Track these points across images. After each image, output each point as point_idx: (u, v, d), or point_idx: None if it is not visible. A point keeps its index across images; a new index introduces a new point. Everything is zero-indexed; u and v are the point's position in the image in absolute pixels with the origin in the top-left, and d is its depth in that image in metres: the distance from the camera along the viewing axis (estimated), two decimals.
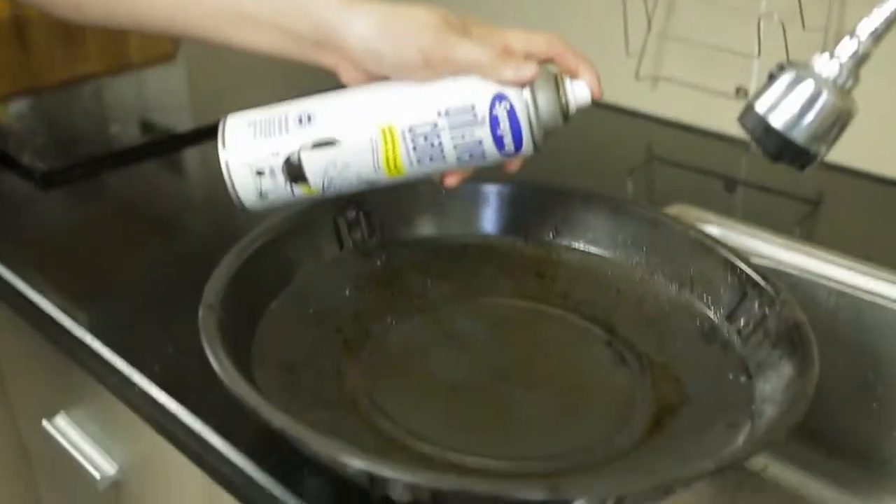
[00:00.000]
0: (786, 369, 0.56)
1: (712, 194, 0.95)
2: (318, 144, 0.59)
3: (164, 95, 1.19)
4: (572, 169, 0.99)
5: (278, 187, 0.60)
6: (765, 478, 0.80)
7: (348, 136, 0.59)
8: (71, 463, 0.83)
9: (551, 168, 0.99)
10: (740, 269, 0.64)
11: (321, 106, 0.60)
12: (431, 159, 0.59)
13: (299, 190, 0.60)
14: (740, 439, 0.54)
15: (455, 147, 0.58)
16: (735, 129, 0.60)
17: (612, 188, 0.73)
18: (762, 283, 0.62)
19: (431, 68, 0.57)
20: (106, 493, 0.82)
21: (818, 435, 0.80)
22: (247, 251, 0.63)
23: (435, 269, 0.71)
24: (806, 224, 0.88)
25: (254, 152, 0.59)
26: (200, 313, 0.55)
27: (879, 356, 0.74)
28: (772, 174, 0.96)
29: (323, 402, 0.57)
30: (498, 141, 0.58)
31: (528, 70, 0.56)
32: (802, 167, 0.56)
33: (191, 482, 0.70)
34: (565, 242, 0.73)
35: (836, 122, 0.55)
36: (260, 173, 0.59)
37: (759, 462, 0.81)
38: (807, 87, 0.55)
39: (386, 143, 0.58)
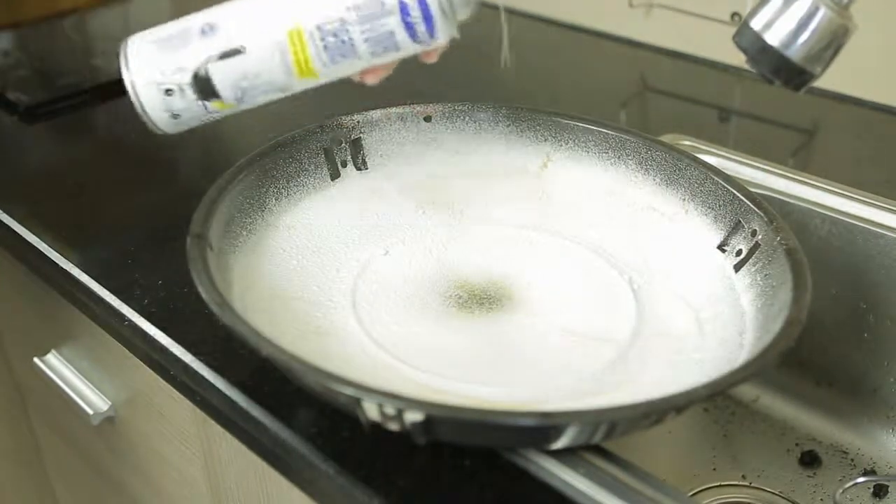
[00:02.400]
0: (779, 296, 0.56)
1: (706, 124, 0.94)
2: (225, 55, 0.56)
3: (148, 26, 1.17)
4: (565, 99, 0.98)
5: (190, 105, 0.58)
6: (756, 409, 0.81)
7: (254, 43, 0.56)
8: (64, 400, 0.83)
9: (544, 98, 0.98)
10: (733, 195, 0.63)
11: (225, 14, 0.57)
12: (343, 56, 0.57)
13: (213, 106, 0.58)
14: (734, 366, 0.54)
15: (366, 41, 0.56)
16: (730, 57, 0.59)
17: (605, 118, 0.72)
18: (756, 209, 0.61)
19: None
20: (99, 428, 0.82)
21: (809, 365, 0.80)
22: (234, 180, 0.62)
23: (427, 198, 0.70)
24: (800, 153, 0.87)
25: (159, 70, 0.57)
26: (188, 243, 0.55)
27: (871, 285, 0.74)
28: (766, 103, 0.95)
29: (315, 331, 0.57)
30: (410, 30, 0.56)
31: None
32: (798, 88, 0.55)
33: (182, 416, 0.70)
34: (559, 169, 0.72)
35: (834, 40, 0.54)
36: (168, 92, 0.57)
37: (751, 393, 0.82)
38: (804, 3, 0.53)
39: (294, 45, 0.56)
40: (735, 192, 0.63)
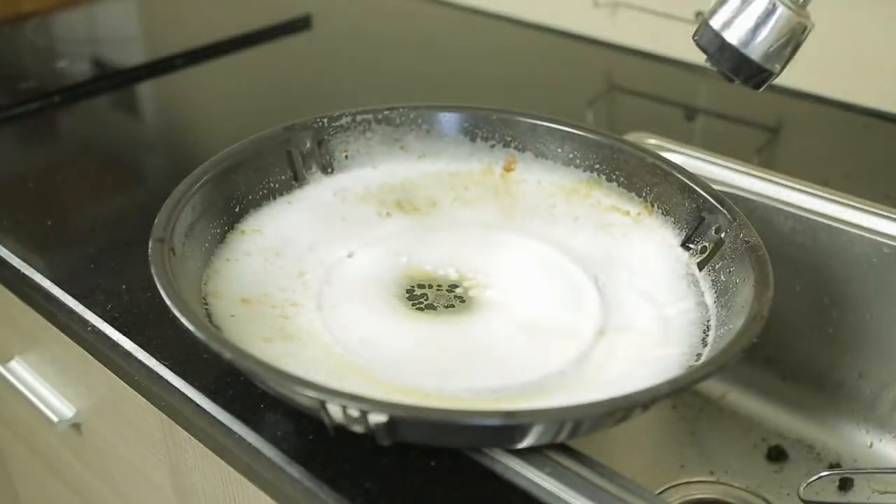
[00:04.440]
0: (742, 293, 0.56)
1: (672, 122, 0.94)
2: None
3: (114, 29, 1.16)
4: (530, 98, 0.98)
5: None
6: (723, 405, 0.81)
7: None
8: (28, 407, 0.82)
9: (509, 97, 0.98)
10: (697, 193, 0.64)
11: None
12: None
13: None
14: (697, 363, 0.54)
15: None
16: (695, 56, 0.59)
17: (571, 117, 0.72)
18: (719, 207, 0.62)
19: None
20: (64, 435, 0.81)
21: (775, 361, 0.81)
22: (197, 183, 0.61)
23: (392, 199, 0.70)
24: (764, 151, 0.88)
25: None
26: (150, 247, 0.54)
27: (835, 280, 0.75)
28: (731, 102, 0.96)
29: (280, 335, 0.57)
30: None
31: None
32: (758, 86, 0.56)
33: (148, 421, 0.69)
34: (523, 169, 0.72)
35: (793, 37, 0.54)
36: None
37: (718, 389, 0.82)
38: (762, 1, 0.54)
39: None
40: (699, 189, 0.64)
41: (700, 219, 0.63)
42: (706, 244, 0.62)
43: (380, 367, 0.55)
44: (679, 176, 0.65)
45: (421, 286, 0.63)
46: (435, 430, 0.48)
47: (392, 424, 0.45)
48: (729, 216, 0.61)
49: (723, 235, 0.61)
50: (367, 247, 0.66)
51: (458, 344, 0.58)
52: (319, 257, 0.64)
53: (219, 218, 0.63)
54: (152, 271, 0.52)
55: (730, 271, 0.59)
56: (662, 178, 0.66)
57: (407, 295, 0.62)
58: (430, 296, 0.62)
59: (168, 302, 0.50)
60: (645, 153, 0.68)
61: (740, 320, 0.53)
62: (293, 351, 0.55)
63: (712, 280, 0.60)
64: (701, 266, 0.62)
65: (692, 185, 0.64)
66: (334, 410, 0.46)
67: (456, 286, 0.63)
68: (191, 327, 0.48)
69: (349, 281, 0.63)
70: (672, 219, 0.65)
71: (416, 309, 0.61)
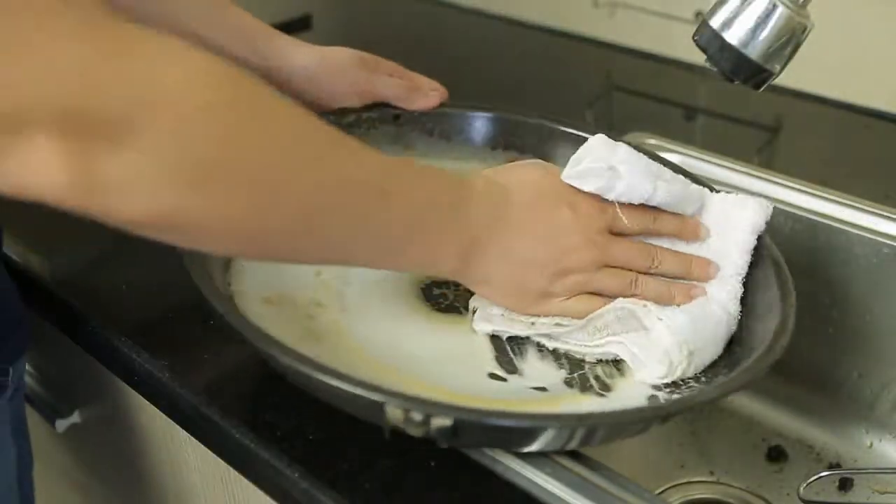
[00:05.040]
0: (764, 299, 0.57)
1: (672, 122, 0.94)
2: None
3: None
4: (530, 98, 0.98)
5: None
6: (722, 405, 0.81)
7: None
8: (29, 407, 0.82)
9: (509, 97, 0.98)
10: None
11: None
12: None
13: None
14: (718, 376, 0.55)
15: None
16: (695, 56, 0.59)
17: (571, 117, 0.72)
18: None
19: (359, 98, 0.71)
20: (64, 435, 0.81)
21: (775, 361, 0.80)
22: None
23: None
24: (764, 151, 0.88)
25: None
26: (185, 256, 0.53)
27: (834, 280, 0.75)
28: (731, 102, 0.96)
29: (310, 336, 0.56)
30: None
31: (433, 100, 0.72)
32: (757, 86, 0.56)
33: (148, 421, 0.69)
34: None
35: (792, 37, 0.54)
36: None
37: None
38: (762, 1, 0.54)
39: None
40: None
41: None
42: None
43: (415, 369, 0.54)
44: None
45: (438, 285, 0.62)
46: (494, 434, 0.48)
47: (456, 428, 0.45)
48: None
49: None
50: None
51: (487, 345, 0.58)
52: None
53: None
54: (195, 280, 0.51)
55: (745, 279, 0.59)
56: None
57: (427, 295, 0.61)
58: (450, 296, 0.61)
59: (220, 311, 0.49)
60: (648, 155, 0.68)
61: (760, 331, 0.54)
62: (325, 353, 0.54)
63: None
64: None
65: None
66: (394, 414, 0.45)
67: None
68: (250, 338, 0.48)
69: (367, 281, 0.62)
70: None
71: (437, 310, 0.60)
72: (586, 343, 0.56)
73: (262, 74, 0.67)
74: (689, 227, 0.58)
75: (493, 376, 0.55)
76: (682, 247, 0.59)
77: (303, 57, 0.70)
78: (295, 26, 1.16)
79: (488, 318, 0.57)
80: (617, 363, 0.57)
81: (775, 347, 0.51)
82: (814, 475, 0.71)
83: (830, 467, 0.75)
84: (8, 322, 0.63)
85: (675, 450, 0.77)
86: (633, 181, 0.55)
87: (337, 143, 0.46)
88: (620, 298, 0.55)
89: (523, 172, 0.57)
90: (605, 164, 0.55)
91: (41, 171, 0.36)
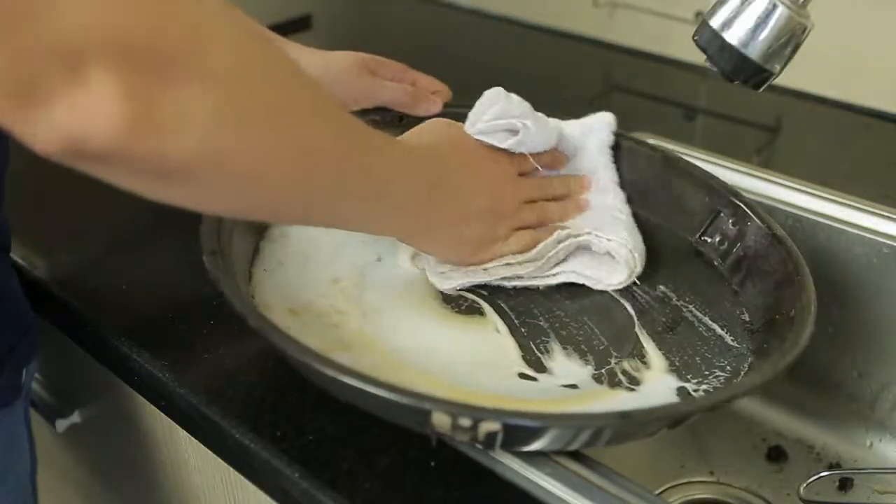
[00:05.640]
0: (768, 283, 0.58)
1: (672, 122, 0.94)
2: None
3: None
4: (530, 98, 0.98)
5: None
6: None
7: None
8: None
9: None
10: (712, 186, 0.66)
11: None
12: None
13: None
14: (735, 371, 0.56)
15: None
16: (695, 56, 0.59)
17: (571, 117, 0.72)
18: (735, 200, 0.64)
19: (363, 103, 0.72)
20: (64, 435, 0.81)
21: None
22: None
23: None
24: (764, 151, 0.88)
25: None
26: (206, 262, 0.53)
27: (834, 280, 0.75)
28: (731, 101, 0.96)
29: (338, 345, 0.55)
30: None
31: (436, 107, 0.73)
32: (757, 86, 0.56)
33: (148, 421, 0.69)
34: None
35: (792, 37, 0.54)
36: None
37: None
38: (762, 1, 0.54)
39: None
40: (713, 183, 0.66)
41: (715, 211, 0.65)
42: (724, 237, 0.65)
43: (448, 374, 0.54)
44: (693, 171, 0.68)
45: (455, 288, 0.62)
46: (537, 435, 0.47)
47: (506, 432, 0.45)
48: (746, 209, 0.63)
49: (743, 227, 0.63)
50: (394, 248, 0.64)
51: (512, 344, 0.58)
52: (349, 260, 0.63)
53: (251, 226, 0.62)
54: (223, 290, 0.51)
55: (751, 264, 0.61)
56: (674, 173, 0.68)
57: (444, 298, 0.61)
58: (469, 297, 0.61)
59: (256, 327, 0.49)
60: (653, 149, 0.70)
61: (768, 311, 0.56)
62: (355, 360, 0.53)
63: (736, 273, 0.63)
64: (723, 258, 0.64)
65: (706, 179, 0.66)
66: (441, 420, 0.45)
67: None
68: (294, 354, 0.47)
69: (385, 287, 0.61)
70: (687, 214, 0.68)
71: (458, 312, 0.60)
72: (540, 275, 0.62)
73: None
74: (558, 158, 0.68)
75: (523, 376, 0.55)
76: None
77: (306, 63, 0.70)
78: (295, 26, 1.16)
79: (445, 276, 0.61)
80: (642, 357, 0.57)
81: (796, 343, 0.52)
82: (814, 475, 0.71)
83: (830, 467, 0.75)
84: (22, 325, 0.64)
85: (675, 450, 0.77)
86: (536, 137, 0.63)
87: (346, 119, 0.50)
88: (558, 230, 0.62)
89: (441, 132, 0.62)
90: (510, 121, 0.63)
91: (97, 112, 0.36)
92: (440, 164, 0.59)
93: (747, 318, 0.60)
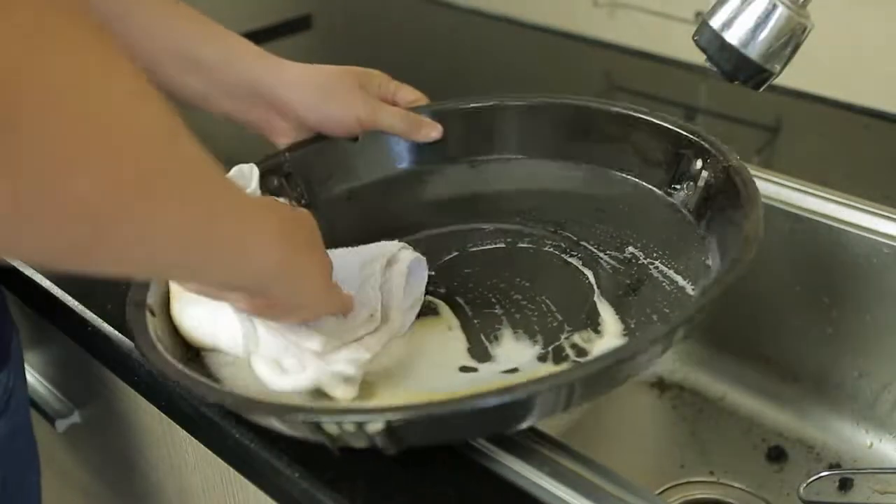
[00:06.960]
0: (734, 219, 0.56)
1: None
2: None
3: None
4: None
5: None
6: (722, 406, 0.81)
7: None
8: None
9: None
10: (669, 129, 0.65)
11: None
12: None
13: None
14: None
15: None
16: (695, 56, 0.59)
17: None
18: (694, 138, 0.63)
19: (362, 126, 0.68)
20: (64, 434, 0.81)
21: (774, 361, 0.81)
22: None
23: (369, 213, 0.69)
24: (764, 151, 0.88)
25: None
26: (127, 312, 0.52)
27: (834, 280, 0.75)
28: (731, 101, 0.96)
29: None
30: None
31: (436, 132, 0.71)
32: (757, 86, 0.56)
33: (148, 421, 0.69)
34: (493, 156, 0.72)
35: (792, 37, 0.54)
36: None
37: (718, 390, 0.82)
38: (762, 1, 0.54)
39: None
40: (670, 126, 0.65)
41: (678, 155, 0.63)
42: (689, 178, 0.63)
43: (390, 380, 0.54)
44: (649, 119, 0.67)
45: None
46: (435, 426, 0.46)
47: (391, 430, 0.44)
48: (706, 145, 0.62)
49: (703, 164, 0.62)
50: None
51: (461, 338, 0.58)
52: None
53: None
54: (134, 338, 0.51)
55: (716, 199, 0.59)
56: (631, 125, 0.67)
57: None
58: (426, 299, 0.61)
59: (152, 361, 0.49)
60: (609, 105, 0.70)
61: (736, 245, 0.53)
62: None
63: (703, 212, 0.61)
64: (688, 200, 0.62)
65: (663, 124, 0.65)
66: (331, 428, 0.44)
67: (449, 283, 0.63)
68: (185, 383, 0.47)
69: None
70: (650, 163, 0.66)
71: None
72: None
73: (248, 96, 0.67)
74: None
75: (463, 369, 0.56)
76: None
77: (303, 81, 0.68)
78: (295, 26, 1.16)
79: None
80: (596, 326, 0.57)
81: (741, 258, 0.50)
82: (814, 475, 0.71)
83: (830, 467, 0.75)
84: None
85: (675, 450, 0.78)
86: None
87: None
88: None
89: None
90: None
91: None
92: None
93: (710, 263, 0.58)
